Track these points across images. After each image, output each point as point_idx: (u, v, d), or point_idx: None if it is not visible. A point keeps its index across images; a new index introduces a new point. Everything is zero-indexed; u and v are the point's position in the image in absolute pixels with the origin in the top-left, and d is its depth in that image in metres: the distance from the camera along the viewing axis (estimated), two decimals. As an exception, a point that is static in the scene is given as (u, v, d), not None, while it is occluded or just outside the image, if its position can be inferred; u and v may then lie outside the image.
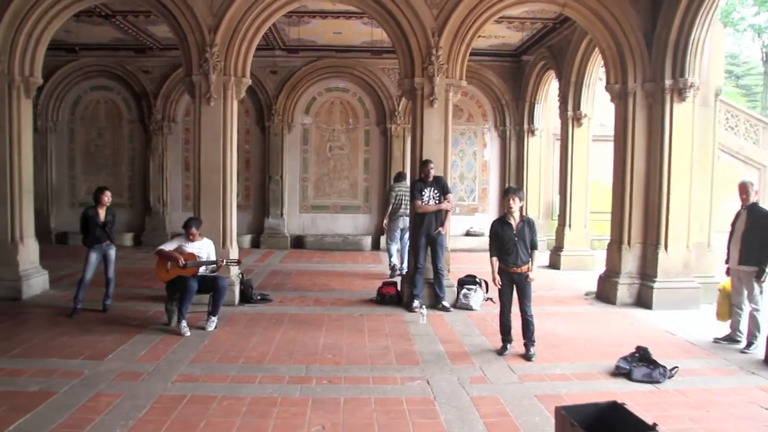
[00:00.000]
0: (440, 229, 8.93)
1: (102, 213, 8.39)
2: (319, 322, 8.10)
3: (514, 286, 6.72)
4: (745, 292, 7.20)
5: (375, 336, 7.49)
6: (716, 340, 7.37)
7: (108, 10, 11.36)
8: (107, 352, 6.59)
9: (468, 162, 16.27)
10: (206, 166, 9.07)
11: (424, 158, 9.07)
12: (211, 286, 7.65)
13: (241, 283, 9.23)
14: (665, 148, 9.01)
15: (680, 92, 8.89)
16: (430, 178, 8.89)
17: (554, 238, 13.63)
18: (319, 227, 16.05)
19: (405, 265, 11.14)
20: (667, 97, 8.97)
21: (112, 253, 8.53)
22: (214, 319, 7.66)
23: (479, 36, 9.92)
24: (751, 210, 7.22)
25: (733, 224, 7.42)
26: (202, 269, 7.69)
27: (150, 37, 13.63)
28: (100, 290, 8.45)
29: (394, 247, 11.72)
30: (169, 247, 7.68)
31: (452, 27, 9.10)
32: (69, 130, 15.89)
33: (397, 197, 11.41)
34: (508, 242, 6.62)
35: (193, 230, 7.73)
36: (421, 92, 9.19)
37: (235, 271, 9.11)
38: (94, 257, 8.36)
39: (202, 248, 7.81)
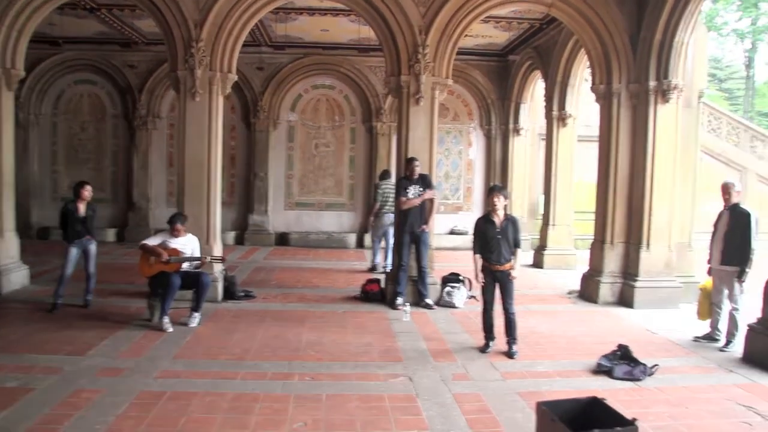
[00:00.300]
0: (424, 226, 8.95)
1: (82, 208, 8.29)
2: (302, 318, 8.09)
3: (497, 283, 6.76)
4: (726, 292, 7.28)
5: (358, 333, 7.49)
6: (696, 339, 7.45)
7: (92, 3, 11.25)
8: (88, 347, 6.53)
9: (453, 161, 16.31)
10: (191, 162, 9.01)
11: (409, 156, 9.08)
12: (194, 282, 7.59)
13: (225, 279, 9.20)
14: (649, 148, 9.08)
15: (664, 94, 8.96)
16: (416, 176, 8.90)
17: (538, 236, 13.70)
18: (304, 224, 16.00)
19: (389, 261, 11.27)
20: (651, 99, 9.04)
21: (93, 248, 8.44)
22: (197, 315, 7.61)
23: (466, 35, 9.94)
24: (733, 211, 7.29)
25: (716, 225, 7.49)
26: (185, 265, 7.65)
27: (135, 31, 13.52)
28: (81, 286, 8.37)
29: (378, 245, 11.79)
30: (153, 241, 7.63)
31: (439, 25, 9.11)
32: (52, 124, 15.71)
33: (384, 195, 11.51)
34: (492, 240, 6.64)
35: (178, 226, 7.69)
36: (408, 90, 9.19)
37: (218, 267, 9.07)
38: (74, 252, 8.27)
39: (186, 244, 7.77)
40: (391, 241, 11.28)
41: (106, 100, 15.80)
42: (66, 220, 8.25)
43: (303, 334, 7.34)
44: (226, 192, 15.01)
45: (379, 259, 11.92)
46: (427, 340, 7.22)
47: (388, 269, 11.11)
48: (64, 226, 8.28)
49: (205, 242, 8.80)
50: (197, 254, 7.84)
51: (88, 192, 8.37)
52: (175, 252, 7.57)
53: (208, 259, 7.98)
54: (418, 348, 6.90)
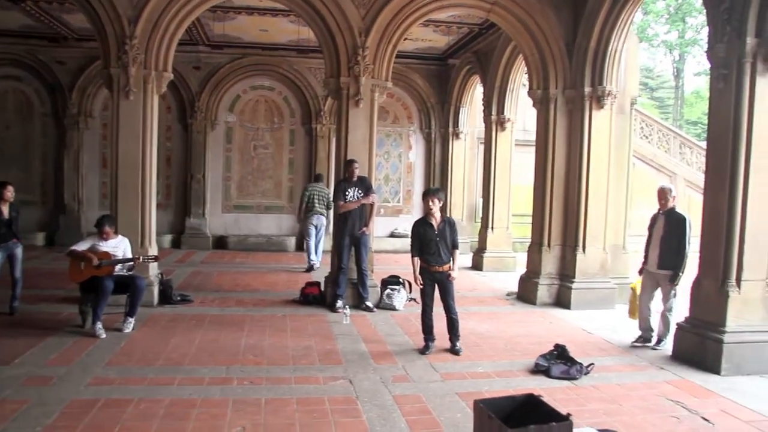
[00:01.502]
0: (364, 229, 8.95)
1: (5, 210, 7.90)
2: (240, 322, 7.94)
3: (436, 285, 6.81)
4: (661, 294, 7.48)
5: (298, 336, 7.41)
6: (633, 345, 7.45)
7: (17, -7, 10.80)
8: (14, 356, 6.22)
9: (393, 164, 16.38)
10: (124, 163, 8.71)
11: (348, 158, 9.05)
12: (128, 286, 7.35)
13: (161, 283, 8.94)
14: (584, 153, 9.30)
15: (598, 99, 9.20)
16: (355, 178, 8.88)
17: (477, 239, 13.87)
18: (242, 227, 15.78)
19: (318, 258, 12.18)
20: (587, 104, 9.27)
21: (19, 251, 8.06)
22: (132, 320, 7.37)
23: (406, 38, 9.99)
24: (669, 215, 7.44)
25: (650, 228, 7.62)
26: (118, 268, 7.39)
27: (65, 26, 13.00)
28: (7, 292, 8.00)
29: (312, 243, 12.19)
30: (81, 247, 7.32)
31: (379, 27, 9.11)
32: (-27, 122, 15.01)
33: (310, 197, 12.10)
34: (430, 242, 6.69)
35: (107, 228, 7.40)
36: (347, 92, 9.15)
37: (154, 270, 8.83)
38: None
39: (118, 246, 7.51)
40: (319, 241, 12.22)
41: (34, 97, 15.15)
42: None
43: (242, 338, 7.21)
44: (162, 194, 14.64)
45: (314, 258, 12.18)
46: (368, 343, 7.19)
47: (317, 265, 11.74)
48: None
49: (140, 245, 8.55)
50: (129, 255, 7.60)
51: (10, 193, 7.97)
52: (106, 255, 7.30)
53: (141, 259, 7.74)
54: (358, 350, 6.87)
